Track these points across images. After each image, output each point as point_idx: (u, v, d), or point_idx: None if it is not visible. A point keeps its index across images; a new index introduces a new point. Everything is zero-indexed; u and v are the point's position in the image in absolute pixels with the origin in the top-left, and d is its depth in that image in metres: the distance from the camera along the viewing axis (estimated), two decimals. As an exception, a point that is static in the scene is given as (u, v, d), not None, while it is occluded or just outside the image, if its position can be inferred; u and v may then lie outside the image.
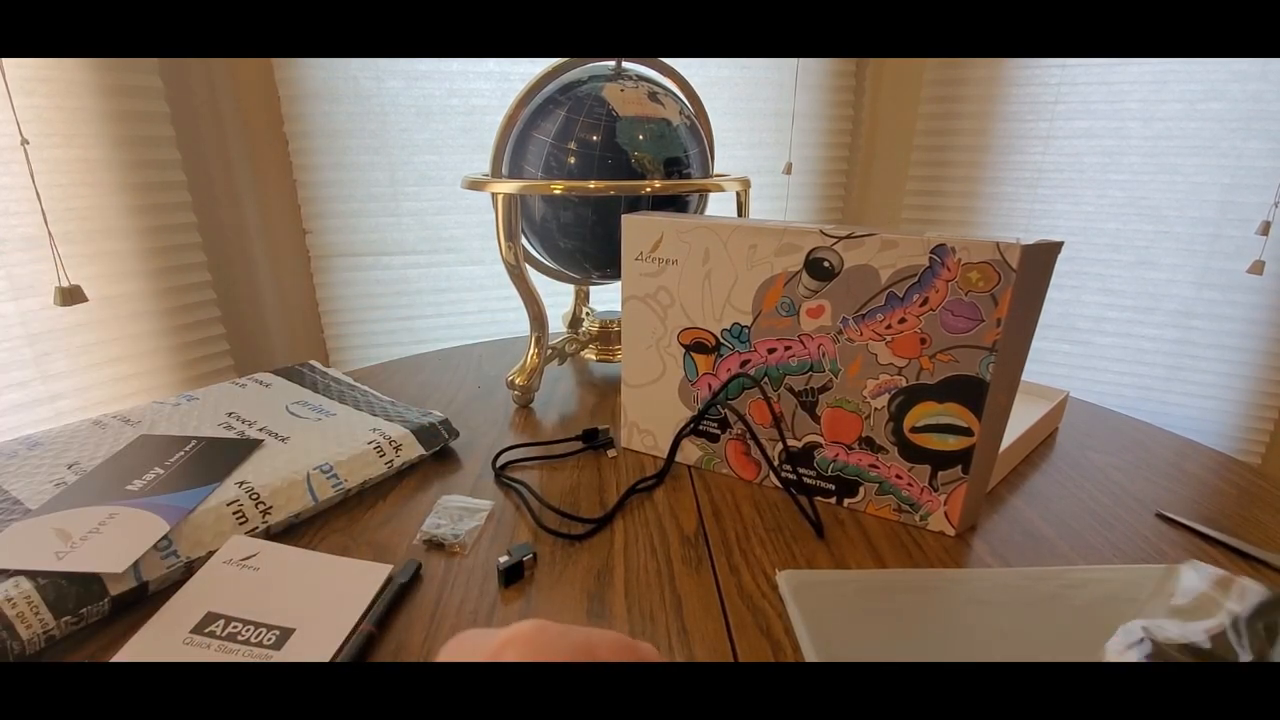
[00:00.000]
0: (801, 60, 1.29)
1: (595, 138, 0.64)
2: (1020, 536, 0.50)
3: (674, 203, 0.70)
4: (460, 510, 0.52)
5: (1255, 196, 1.14)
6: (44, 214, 0.79)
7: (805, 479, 0.54)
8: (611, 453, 0.62)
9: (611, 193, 0.63)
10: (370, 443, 0.55)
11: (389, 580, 0.43)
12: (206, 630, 0.38)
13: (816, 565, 0.46)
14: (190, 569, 0.43)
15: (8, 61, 0.77)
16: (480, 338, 1.32)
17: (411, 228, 1.22)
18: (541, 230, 0.71)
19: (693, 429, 0.58)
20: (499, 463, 0.59)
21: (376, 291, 1.25)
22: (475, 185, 0.67)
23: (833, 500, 0.54)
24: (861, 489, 0.52)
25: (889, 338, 0.47)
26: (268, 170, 1.16)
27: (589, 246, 0.70)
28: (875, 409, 0.50)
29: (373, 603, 0.41)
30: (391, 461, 0.56)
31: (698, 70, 1.26)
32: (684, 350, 0.57)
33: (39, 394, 0.91)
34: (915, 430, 0.48)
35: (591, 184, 0.62)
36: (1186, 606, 0.34)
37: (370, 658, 0.38)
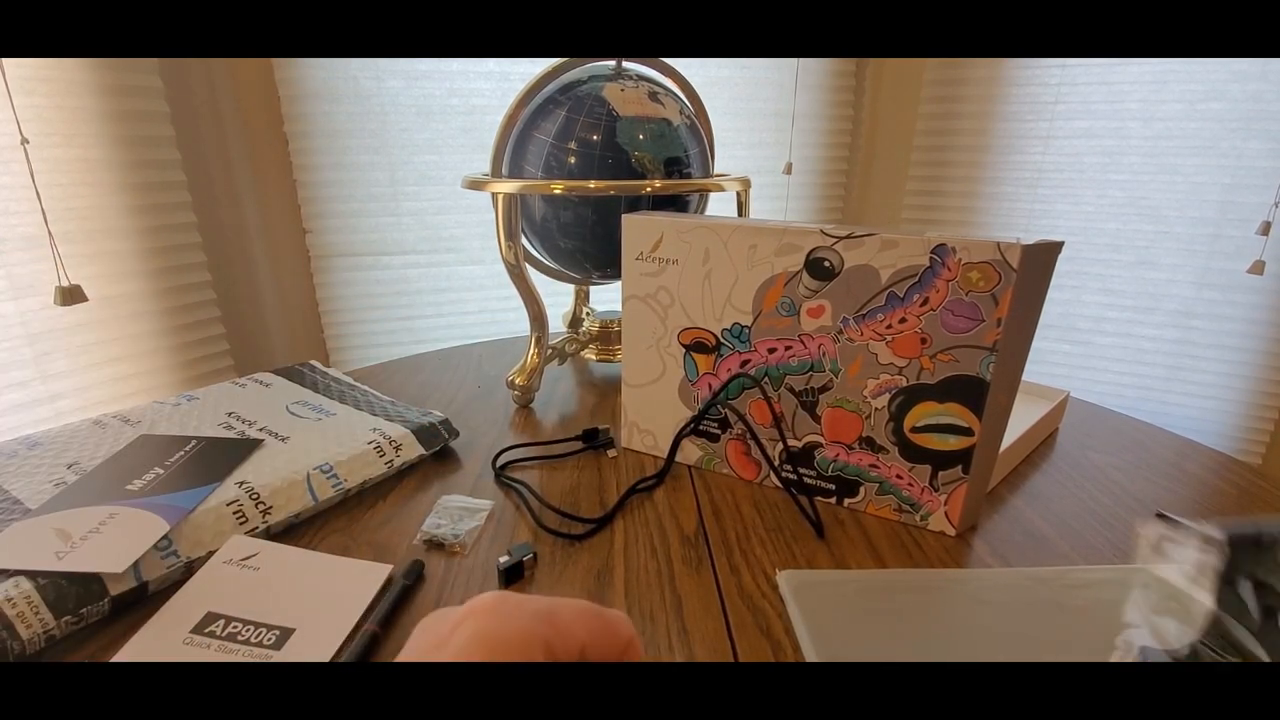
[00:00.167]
0: (801, 60, 1.29)
1: (595, 137, 0.64)
2: (1020, 536, 0.50)
3: (674, 202, 0.70)
4: (460, 510, 0.52)
5: (1255, 196, 1.14)
6: (44, 213, 0.79)
7: (805, 479, 0.54)
8: (611, 453, 0.62)
9: (612, 192, 0.63)
10: (370, 443, 0.55)
11: (390, 580, 0.43)
12: (206, 630, 0.38)
13: (817, 565, 0.46)
14: (190, 569, 0.43)
15: (8, 61, 0.77)
16: (480, 337, 1.32)
17: (411, 228, 1.22)
18: (542, 230, 0.71)
19: (693, 429, 0.58)
20: (499, 463, 0.59)
21: (376, 291, 1.25)
22: (475, 185, 0.67)
23: (833, 500, 0.54)
24: (862, 489, 0.52)
25: (889, 337, 0.47)
26: (268, 170, 1.16)
27: (589, 246, 0.70)
28: (875, 409, 0.50)
29: (374, 603, 0.41)
30: (391, 461, 0.56)
31: (698, 70, 1.26)
32: (684, 350, 0.57)
33: (39, 394, 0.91)
34: (915, 430, 0.48)
35: (592, 184, 0.62)
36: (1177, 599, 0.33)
37: (374, 658, 0.38)
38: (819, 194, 1.43)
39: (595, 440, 0.63)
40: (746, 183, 0.73)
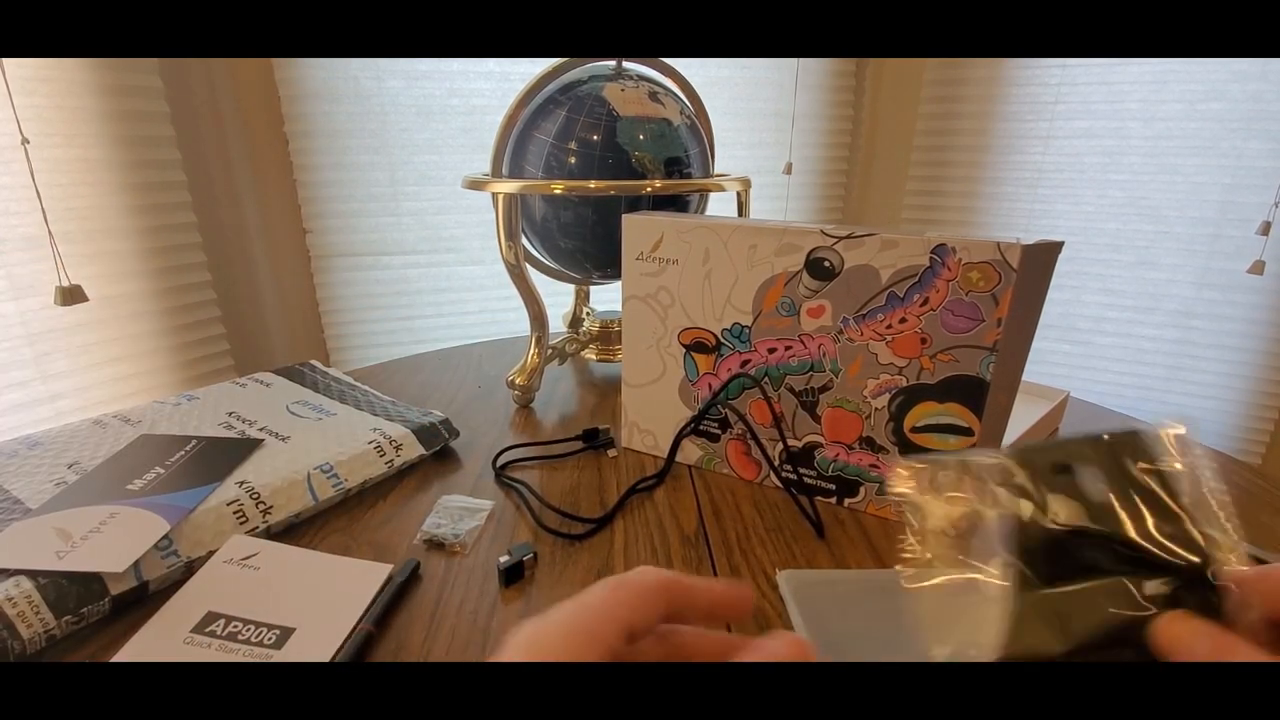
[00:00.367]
0: (801, 60, 1.29)
1: (596, 137, 0.64)
2: (1020, 536, 0.50)
3: (674, 202, 0.70)
4: (460, 510, 0.52)
5: (1255, 196, 1.14)
6: (44, 213, 0.79)
7: (805, 479, 0.54)
8: (612, 452, 0.62)
9: (612, 192, 0.63)
10: (371, 442, 0.55)
11: (389, 580, 0.43)
12: (207, 630, 0.38)
13: (817, 565, 0.46)
14: (190, 568, 0.43)
15: (8, 61, 0.77)
16: (480, 337, 1.32)
17: (411, 228, 1.22)
18: (542, 230, 0.71)
19: (693, 429, 0.58)
20: (499, 462, 0.59)
21: (376, 291, 1.25)
22: (476, 185, 0.67)
23: (833, 500, 0.54)
24: (862, 489, 0.52)
25: (889, 337, 0.47)
26: (268, 170, 1.16)
27: (589, 246, 0.70)
28: (876, 409, 0.50)
29: (372, 602, 0.41)
30: (392, 461, 0.56)
31: (698, 70, 1.26)
32: (684, 350, 0.57)
33: (39, 394, 0.91)
34: (916, 430, 0.48)
35: (592, 184, 0.62)
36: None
37: (369, 657, 0.38)
38: (819, 194, 1.43)
39: (595, 440, 0.63)
40: (746, 183, 0.73)
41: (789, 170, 1.26)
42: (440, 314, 1.29)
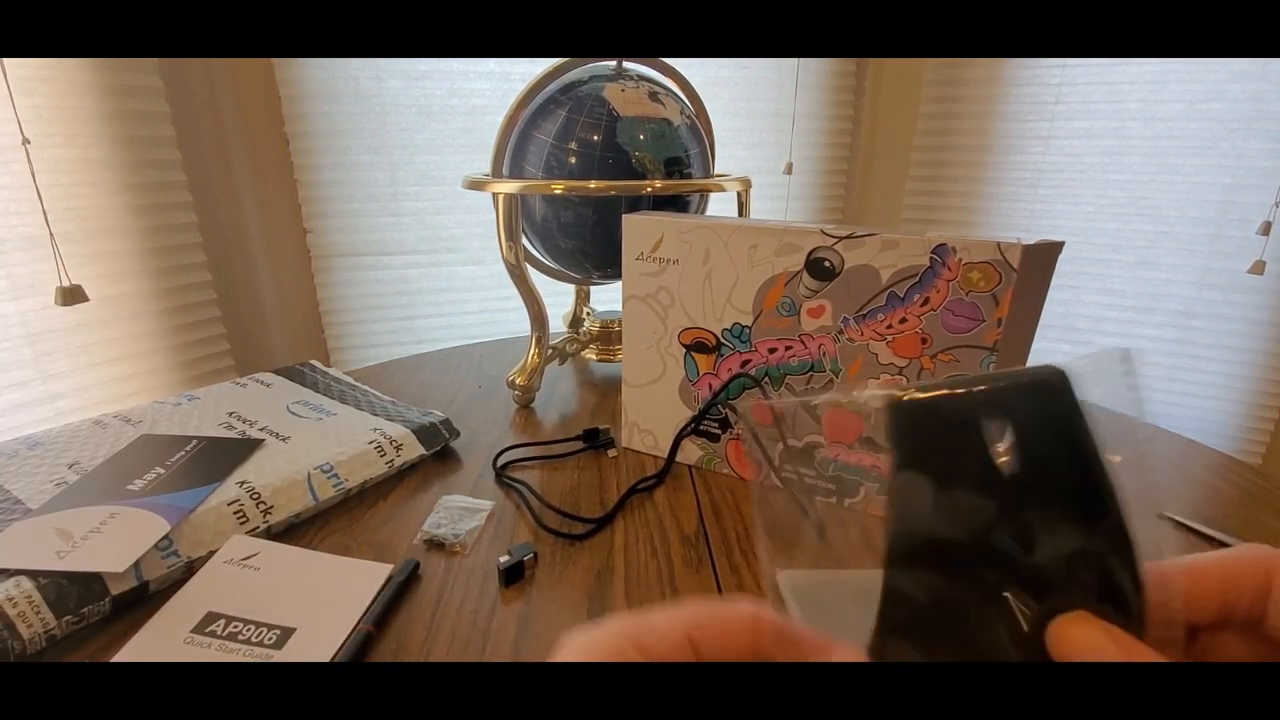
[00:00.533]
0: (801, 60, 1.29)
1: (596, 137, 0.64)
2: (1021, 536, 0.50)
3: (674, 202, 0.70)
4: (461, 510, 0.52)
5: (1255, 196, 1.14)
6: (45, 214, 0.79)
7: (806, 479, 0.54)
8: (612, 452, 0.62)
9: (612, 193, 0.63)
10: (371, 442, 0.55)
11: (389, 580, 0.43)
12: (207, 630, 0.38)
13: (817, 565, 0.46)
14: (191, 569, 0.43)
15: (8, 61, 0.77)
16: (481, 337, 1.31)
17: (412, 228, 1.23)
18: (542, 230, 0.71)
19: (693, 429, 0.58)
20: (499, 462, 0.59)
21: (377, 291, 1.25)
22: (476, 185, 0.67)
23: (833, 500, 0.54)
24: (862, 489, 0.52)
25: (890, 338, 0.47)
26: (268, 170, 1.16)
27: (589, 246, 0.70)
28: (876, 409, 0.49)
29: (372, 602, 0.41)
30: (392, 461, 0.56)
31: (698, 70, 1.26)
32: (684, 350, 0.57)
33: (39, 394, 0.91)
34: (916, 430, 0.48)
35: (592, 184, 0.62)
36: None
37: (368, 657, 0.38)
38: (819, 194, 1.43)
39: (596, 440, 0.63)
40: (747, 183, 0.73)
41: (789, 170, 1.26)
42: (440, 314, 1.29)
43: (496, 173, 0.70)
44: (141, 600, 0.41)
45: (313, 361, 0.75)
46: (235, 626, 0.38)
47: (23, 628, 0.36)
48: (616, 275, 0.75)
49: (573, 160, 0.65)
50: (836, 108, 1.37)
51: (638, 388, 0.61)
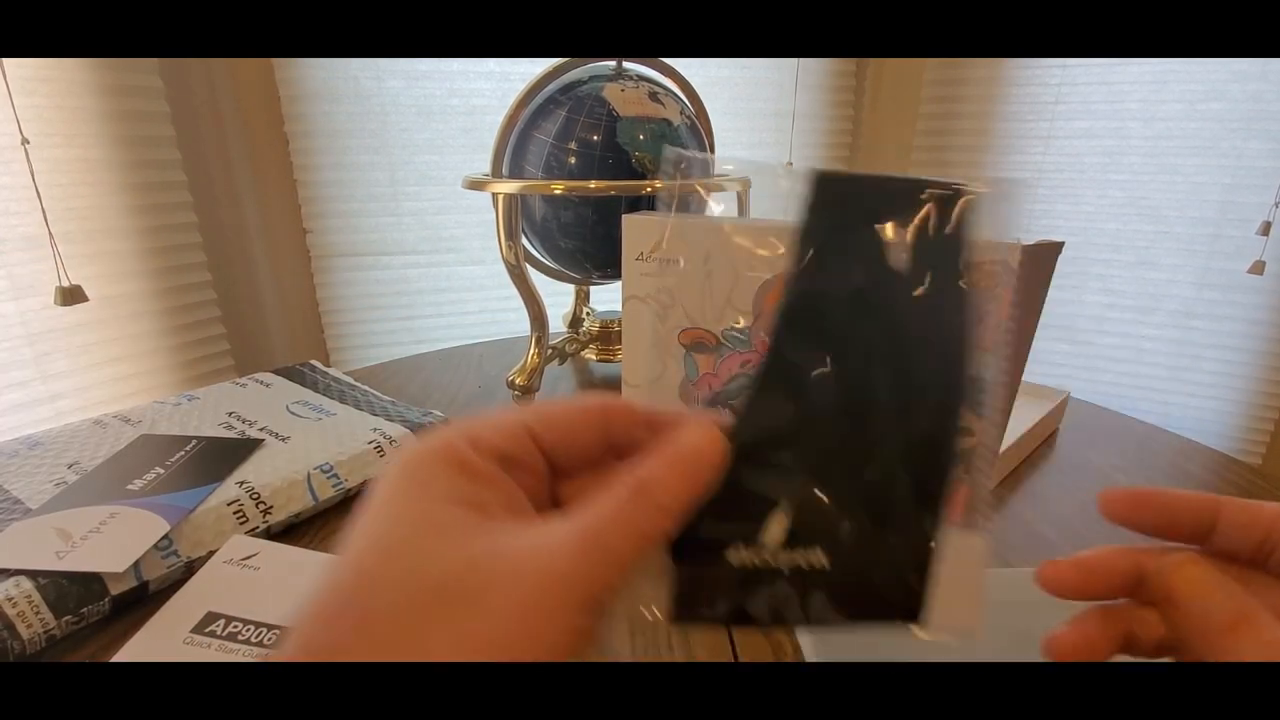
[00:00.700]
0: (801, 60, 1.29)
1: (596, 138, 0.64)
2: (1020, 537, 0.50)
3: (674, 203, 0.70)
4: (460, 510, 0.52)
5: (1255, 196, 1.14)
6: (44, 214, 0.79)
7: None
8: (612, 453, 0.62)
9: (612, 193, 0.63)
10: (371, 442, 0.55)
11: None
12: (207, 630, 0.38)
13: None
14: (191, 569, 0.43)
15: (8, 61, 0.77)
16: (481, 338, 1.31)
17: (412, 228, 1.22)
18: (542, 230, 0.71)
19: (693, 429, 0.58)
20: (499, 463, 0.59)
21: (377, 291, 1.25)
22: (476, 185, 0.67)
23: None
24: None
25: (889, 338, 0.47)
26: (268, 170, 1.16)
27: (589, 246, 0.70)
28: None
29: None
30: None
31: (698, 70, 1.25)
32: (684, 350, 0.57)
33: (39, 394, 0.91)
34: (915, 430, 0.48)
35: (592, 184, 0.62)
36: None
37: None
38: (819, 194, 1.43)
39: (595, 440, 0.63)
40: (746, 183, 0.73)
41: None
42: (440, 314, 1.29)
43: (496, 173, 0.70)
44: (141, 600, 0.41)
45: (312, 361, 0.75)
46: (235, 626, 0.38)
47: (22, 628, 0.36)
48: (616, 275, 0.75)
49: (573, 160, 0.65)
50: (836, 108, 1.37)
51: (637, 388, 0.61)
